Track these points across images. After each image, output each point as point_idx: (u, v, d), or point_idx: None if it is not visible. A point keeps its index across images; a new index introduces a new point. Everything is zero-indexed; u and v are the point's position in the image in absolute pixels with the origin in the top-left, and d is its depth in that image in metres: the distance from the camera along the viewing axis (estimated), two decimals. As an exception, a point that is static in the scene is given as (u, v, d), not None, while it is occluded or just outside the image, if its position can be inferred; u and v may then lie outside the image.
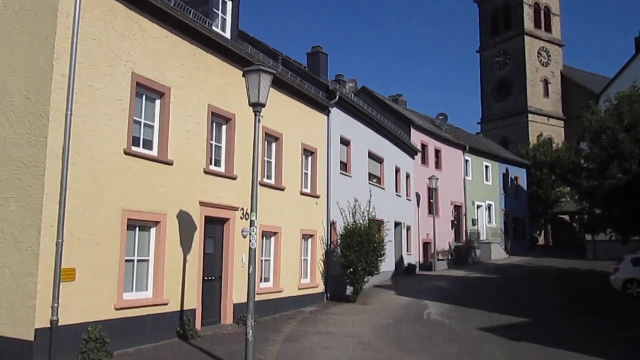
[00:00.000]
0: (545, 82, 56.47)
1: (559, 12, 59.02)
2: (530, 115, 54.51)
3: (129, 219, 10.27)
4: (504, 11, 57.89)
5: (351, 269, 17.67)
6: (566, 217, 48.43)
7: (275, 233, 15.38)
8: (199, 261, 12.10)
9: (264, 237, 15.04)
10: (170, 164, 11.37)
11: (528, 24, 55.88)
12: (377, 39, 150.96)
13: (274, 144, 15.75)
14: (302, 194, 16.97)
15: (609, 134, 22.02)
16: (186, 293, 11.57)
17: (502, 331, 12.70)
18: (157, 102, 11.40)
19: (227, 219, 13.31)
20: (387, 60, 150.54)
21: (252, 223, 8.39)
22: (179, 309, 11.39)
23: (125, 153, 10.24)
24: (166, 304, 11.04)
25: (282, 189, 15.69)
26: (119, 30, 10.29)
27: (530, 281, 23.31)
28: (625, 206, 21.25)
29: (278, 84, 15.39)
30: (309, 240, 17.51)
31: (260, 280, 14.75)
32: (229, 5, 14.33)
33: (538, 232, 49.89)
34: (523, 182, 43.31)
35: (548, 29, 57.59)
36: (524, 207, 43.15)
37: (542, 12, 57.34)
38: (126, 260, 10.26)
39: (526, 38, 55.35)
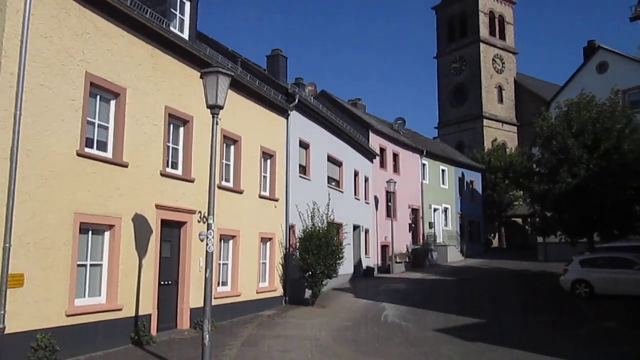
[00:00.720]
0: (500, 89, 58.04)
1: (512, 21, 60.82)
2: (485, 121, 55.89)
3: (81, 223, 9.99)
4: (461, 19, 59.26)
5: (310, 272, 17.68)
6: (519, 220, 49.76)
7: (233, 236, 15.25)
8: (154, 265, 11.88)
9: (222, 241, 14.89)
10: (125, 166, 11.12)
11: (483, 31, 57.34)
12: (337, 43, 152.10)
13: (232, 147, 15.62)
14: (260, 197, 16.89)
15: (559, 140, 22.79)
16: (141, 298, 11.33)
17: (458, 332, 12.95)
18: (112, 102, 11.14)
19: (184, 223, 13.12)
20: (347, 65, 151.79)
21: (209, 226, 8.30)
22: (133, 314, 11.15)
23: (78, 154, 9.96)
24: (120, 310, 10.78)
25: (240, 192, 15.57)
26: (72, 29, 10.01)
27: (485, 283, 23.85)
28: (574, 209, 22.05)
29: (237, 86, 15.30)
30: (268, 243, 17.43)
31: (218, 284, 14.60)
32: (187, 5, 14.16)
33: (492, 235, 51.13)
34: (478, 186, 44.36)
35: (502, 37, 59.28)
36: (479, 210, 44.19)
37: (496, 20, 58.98)
38: (78, 265, 9.97)
39: (482, 45, 56.79)
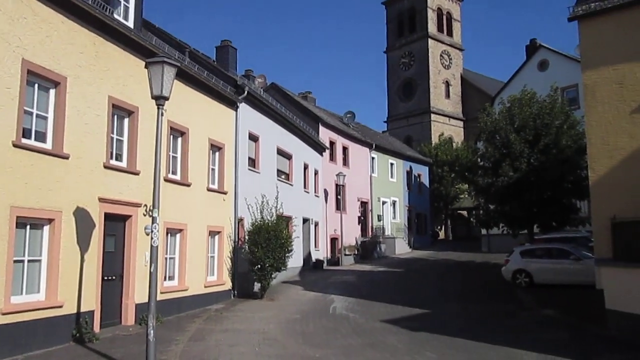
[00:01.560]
0: (447, 84, 59.39)
1: (459, 18, 62.27)
2: (432, 116, 57.10)
3: (18, 217, 9.56)
4: (410, 14, 60.17)
5: (259, 266, 17.60)
6: (464, 212, 51.33)
7: (180, 230, 14.99)
8: (97, 260, 11.53)
9: (169, 235, 14.60)
10: (66, 158, 10.72)
11: (432, 28, 58.45)
12: (288, 37, 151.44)
13: (179, 139, 15.32)
14: (209, 190, 16.66)
15: (502, 135, 23.55)
16: (84, 294, 10.98)
17: (404, 322, 13.21)
18: (52, 91, 10.69)
19: (129, 216, 12.79)
20: (298, 58, 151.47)
21: (154, 220, 8.12)
22: (75, 311, 10.79)
23: (15, 146, 9.51)
24: (61, 307, 10.41)
25: (188, 185, 15.30)
26: (8, 13, 9.52)
27: (431, 274, 24.43)
28: (516, 202, 22.88)
29: (185, 77, 15.01)
30: (216, 237, 17.23)
31: (165, 279, 14.33)
32: (132, -7, 13.72)
33: (439, 227, 52.45)
34: (425, 179, 45.31)
35: (450, 33, 60.62)
36: (426, 203, 45.17)
37: (444, 17, 60.23)
38: (15, 261, 9.54)
39: (430, 41, 57.89)
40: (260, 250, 17.31)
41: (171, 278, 14.76)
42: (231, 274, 17.82)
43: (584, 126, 12.99)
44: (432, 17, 58.74)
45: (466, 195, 44.78)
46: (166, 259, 14.45)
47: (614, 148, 11.68)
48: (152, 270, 8.03)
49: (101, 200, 11.69)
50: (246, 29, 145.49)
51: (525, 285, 18.77)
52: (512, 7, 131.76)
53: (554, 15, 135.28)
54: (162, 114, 8.34)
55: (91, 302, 11.25)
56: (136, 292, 12.70)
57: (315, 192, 28.50)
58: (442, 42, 59.27)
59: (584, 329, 12.23)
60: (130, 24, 13.47)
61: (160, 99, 8.21)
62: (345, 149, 33.62)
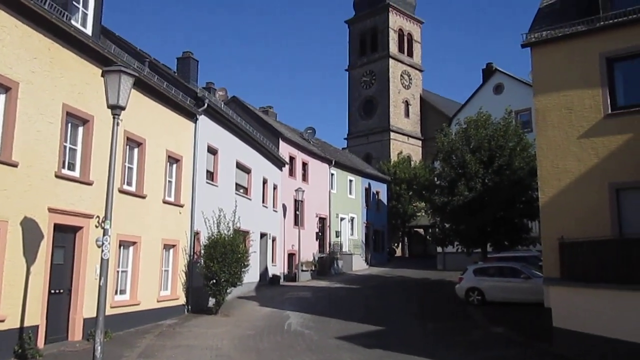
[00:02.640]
0: (407, 104, 60.45)
1: (420, 39, 63.71)
2: (392, 134, 57.92)
3: (-40, 226, 9.15)
4: (372, 34, 61.19)
5: (214, 280, 17.34)
6: (421, 230, 52.04)
7: (134, 243, 14.64)
8: (44, 273, 11.11)
9: (122, 247, 14.25)
10: (14, 165, 10.34)
11: (393, 48, 59.57)
12: (252, 51, 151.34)
13: (136, 150, 15.04)
14: (165, 202, 16.37)
15: (458, 155, 24.10)
16: (28, 308, 10.54)
17: (358, 339, 13.22)
18: (2, 97, 10.34)
19: (80, 228, 12.41)
20: (260, 72, 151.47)
21: (105, 232, 7.92)
22: (18, 325, 10.35)
23: (-40, 152, 9.14)
24: (3, 321, 9.96)
25: (143, 197, 15.00)
26: (-42, 15, 9.21)
27: (387, 291, 24.59)
28: (470, 221, 23.36)
29: (143, 87, 14.80)
30: (171, 250, 16.91)
31: (116, 293, 13.94)
32: (92, 0, 13.48)
33: (396, 244, 52.97)
34: (384, 197, 45.79)
35: (410, 54, 61.89)
36: (384, 220, 45.60)
37: (405, 38, 61.51)
38: (-45, 272, 9.12)
39: (391, 61, 58.94)
40: (216, 265, 17.07)
41: (122, 292, 14.37)
42: (185, 288, 17.49)
43: (536, 149, 13.44)
44: (393, 37, 59.91)
45: (423, 214, 45.44)
46: (118, 272, 14.08)
47: (563, 171, 12.13)
48: (101, 283, 7.81)
49: (51, 210, 11.32)
50: (209, 41, 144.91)
51: (478, 303, 19.10)
52: (470, 31, 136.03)
53: (510, 40, 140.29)
54: (117, 124, 8.19)
55: (36, 316, 10.81)
56: (85, 306, 12.30)
57: (273, 207, 28.39)
58: (403, 63, 60.45)
59: (532, 346, 12.52)
60: (88, 31, 13.21)
61: (116, 109, 8.07)
62: (305, 164, 33.69)
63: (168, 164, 16.74)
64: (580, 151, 11.97)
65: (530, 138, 23.11)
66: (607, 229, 11.40)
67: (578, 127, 12.04)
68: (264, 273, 26.64)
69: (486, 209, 22.85)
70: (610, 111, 11.73)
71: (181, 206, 17.36)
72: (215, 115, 20.24)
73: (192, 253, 17.87)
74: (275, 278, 27.64)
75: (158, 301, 15.77)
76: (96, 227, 12.71)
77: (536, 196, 17.37)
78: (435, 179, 27.07)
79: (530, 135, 24.47)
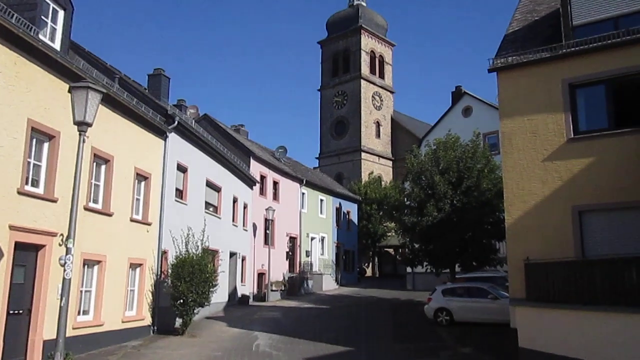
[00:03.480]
0: (378, 124, 61.13)
1: (391, 61, 64.77)
2: (363, 154, 58.38)
3: None
4: (344, 55, 61.98)
5: (181, 300, 17.05)
6: (391, 250, 52.26)
7: (99, 262, 14.31)
8: (3, 293, 10.76)
9: (86, 266, 13.91)
10: (-25, 181, 10.06)
11: (365, 69, 60.39)
12: (223, 69, 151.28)
13: (103, 167, 14.79)
14: (132, 220, 16.10)
15: (428, 176, 24.35)
16: (-15, 329, 10.17)
17: (327, 360, 13.12)
18: (-36, 111, 10.09)
19: (43, 246, 12.09)
20: (232, 91, 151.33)
21: (68, 251, 7.74)
22: (-26, 347, 9.96)
23: None
24: (-42, 343, 9.58)
25: (109, 215, 14.73)
26: None
27: (357, 311, 24.53)
28: (439, 242, 23.54)
29: (112, 103, 14.63)
30: (137, 269, 16.59)
31: (79, 313, 13.57)
32: (61, 14, 13.35)
33: (366, 264, 53.03)
34: (354, 216, 45.92)
35: (382, 76, 62.83)
36: (354, 240, 45.66)
37: (377, 60, 62.47)
38: None
39: (362, 82, 59.70)
40: (183, 285, 16.80)
41: (86, 312, 14.00)
42: (152, 308, 17.15)
43: (502, 171, 13.70)
44: (365, 59, 60.76)
45: (393, 234, 45.66)
46: (82, 291, 13.73)
47: (528, 193, 12.39)
48: (62, 304, 7.61)
49: (12, 228, 11.00)
50: (182, 59, 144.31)
51: (447, 324, 19.19)
52: (440, 54, 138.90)
53: (479, 63, 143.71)
54: (83, 141, 8.06)
55: (-7, 338, 10.43)
56: (45, 327, 11.91)
57: (243, 226, 28.17)
58: (374, 84, 61.26)
59: (499, 367, 12.61)
60: (56, 45, 13.05)
61: (82, 125, 7.96)
62: (275, 183, 33.62)
63: (136, 181, 16.51)
64: (545, 174, 12.26)
65: (498, 160, 23.52)
66: (571, 251, 11.66)
67: (542, 151, 12.35)
68: (232, 293, 26.31)
69: (455, 229, 23.08)
70: (572, 135, 12.08)
71: (149, 224, 17.09)
72: (186, 132, 20.11)
73: (159, 272, 17.56)
74: (244, 298, 27.33)
75: (123, 322, 15.40)
76: (60, 245, 12.30)
77: (503, 217, 17.66)
78: (405, 199, 27.25)
79: (497, 157, 24.89)
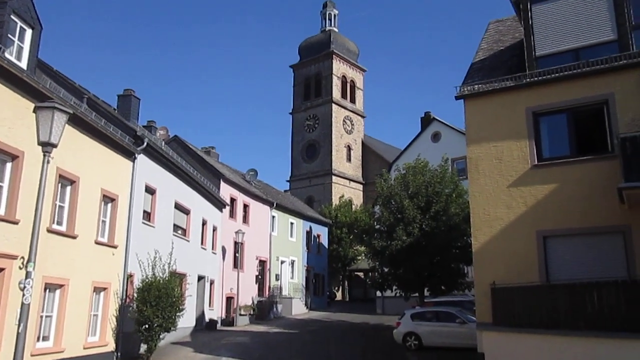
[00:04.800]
0: (349, 148, 61.62)
1: (362, 86, 65.71)
2: (334, 178, 58.63)
3: None
4: (316, 79, 62.64)
5: (146, 325, 16.67)
6: (361, 274, 52.25)
7: (61, 286, 13.91)
8: (-41, 318, 10.35)
9: (47, 290, 13.50)
10: None
11: (336, 94, 61.06)
12: (195, 90, 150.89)
13: (69, 188, 14.50)
14: (97, 243, 15.76)
15: (397, 200, 24.59)
16: (-63, 356, 9.75)
17: (295, 386, 12.93)
18: None
19: (2, 269, 11.71)
20: (203, 112, 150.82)
21: (28, 274, 7.52)
22: None
23: None
24: None
25: (74, 237, 14.38)
26: None
27: (326, 336, 24.31)
28: (408, 266, 23.68)
29: (80, 124, 14.42)
30: (102, 293, 16.18)
31: (38, 339, 13.11)
32: (29, 33, 13.18)
33: (336, 288, 52.83)
34: (325, 240, 45.84)
35: (353, 100, 63.62)
36: (325, 263, 45.53)
37: (348, 85, 63.32)
38: None
39: (334, 106, 60.30)
40: (149, 309, 16.45)
41: (46, 339, 13.55)
42: (115, 334, 16.69)
43: (469, 196, 13.92)
44: (336, 83, 61.49)
45: (363, 257, 45.74)
46: (42, 317, 13.28)
47: (494, 218, 12.61)
48: (20, 330, 7.36)
49: (-30, 250, 10.65)
50: (153, 80, 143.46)
51: (415, 348, 19.18)
52: (410, 80, 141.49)
53: (447, 90, 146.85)
54: (48, 162, 7.91)
55: (-54, 365, 10.00)
56: (2, 354, 11.46)
57: (212, 249, 27.83)
58: (345, 108, 61.93)
59: (466, 392, 12.63)
60: (23, 64, 12.86)
61: (47, 146, 7.81)
62: (246, 206, 33.42)
63: (103, 203, 16.22)
64: (510, 199, 12.51)
65: (466, 185, 23.88)
66: (536, 275, 11.85)
67: (507, 177, 12.62)
68: (200, 317, 25.84)
69: (423, 253, 23.26)
70: (536, 162, 12.39)
71: (115, 247, 16.75)
72: (155, 154, 19.91)
73: (124, 296, 17.15)
74: (212, 322, 26.86)
75: (85, 348, 14.95)
76: (20, 268, 12.02)
77: (471, 242, 17.91)
78: (375, 223, 27.42)
79: (465, 182, 25.25)
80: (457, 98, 13.59)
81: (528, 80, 12.74)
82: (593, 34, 12.56)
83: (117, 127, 17.26)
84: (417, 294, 25.55)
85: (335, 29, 65.00)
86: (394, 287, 26.03)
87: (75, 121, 13.64)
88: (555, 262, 11.99)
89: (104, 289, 16.22)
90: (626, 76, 11.62)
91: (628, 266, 11.03)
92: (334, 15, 65.77)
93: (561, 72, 12.31)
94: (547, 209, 12.05)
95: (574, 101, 12.23)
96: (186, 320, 20.94)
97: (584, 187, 11.67)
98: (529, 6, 13.31)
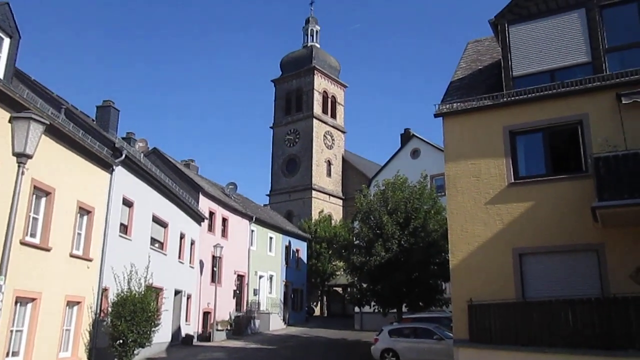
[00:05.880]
0: (329, 163, 61.78)
1: (343, 102, 66.14)
2: (314, 192, 58.61)
3: None
4: (297, 94, 62.87)
5: (120, 341, 16.37)
6: (340, 289, 52.10)
7: (33, 299, 13.60)
8: None
9: (19, 304, 13.19)
10: None
11: (317, 109, 61.33)
12: (175, 103, 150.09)
13: (44, 199, 14.26)
14: (72, 256, 15.48)
15: (376, 216, 24.70)
16: None
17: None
18: None
19: (-29, 282, 11.41)
20: (184, 125, 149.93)
21: (-1, 288, 7.34)
22: None
23: None
24: None
25: (47, 250, 14.12)
26: None
27: (304, 352, 24.14)
28: (386, 282, 23.72)
29: (57, 135, 14.25)
30: (75, 308, 15.86)
31: (7, 355, 12.76)
32: (6, 42, 13.05)
33: (315, 303, 52.54)
34: (304, 255, 45.70)
35: (334, 116, 63.94)
36: (303, 278, 45.32)
37: (329, 100, 63.67)
38: None
39: (315, 121, 60.50)
40: (123, 324, 16.16)
41: (15, 354, 13.19)
42: (88, 349, 16.35)
43: (447, 213, 14.05)
44: (318, 99, 61.79)
45: (342, 273, 45.66)
46: (12, 331, 12.96)
47: (471, 235, 12.73)
48: (-11, 345, 7.16)
49: (-61, 262, 10.37)
50: (134, 92, 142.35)
51: (393, 364, 19.17)
52: (390, 97, 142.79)
53: (427, 107, 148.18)
54: (22, 173, 7.78)
55: None
56: (-30, 369, 11.16)
57: (190, 263, 27.53)
58: (326, 123, 62.19)
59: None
60: None
61: (22, 157, 7.68)
62: (225, 220, 33.18)
63: (78, 215, 15.98)
64: (487, 217, 12.65)
65: (444, 202, 24.13)
66: (512, 292, 11.97)
67: (485, 194, 12.78)
68: (176, 332, 25.45)
69: (402, 269, 23.35)
70: (513, 180, 12.58)
71: (90, 260, 16.47)
72: (133, 166, 19.72)
73: (98, 311, 16.84)
74: (188, 338, 26.47)
75: (56, 363, 14.60)
76: (-9, 281, 11.76)
77: (449, 258, 18.05)
78: (354, 238, 27.46)
79: (444, 199, 25.53)
80: (436, 116, 13.77)
81: (505, 99, 12.98)
82: (568, 56, 12.88)
83: (95, 138, 17.08)
84: (395, 310, 25.57)
85: (317, 45, 65.51)
86: (372, 303, 26.03)
87: (53, 132, 13.48)
88: (531, 279, 12.13)
89: (78, 303, 15.91)
90: (600, 98, 11.91)
91: (602, 283, 11.21)
92: (316, 32, 66.33)
93: (537, 92, 12.58)
94: (523, 227, 12.22)
95: (549, 121, 12.49)
96: (162, 336, 20.61)
97: (559, 206, 11.86)
98: (506, 27, 13.62)
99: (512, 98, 12.90)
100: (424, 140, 36.86)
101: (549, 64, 13.09)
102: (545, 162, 12.60)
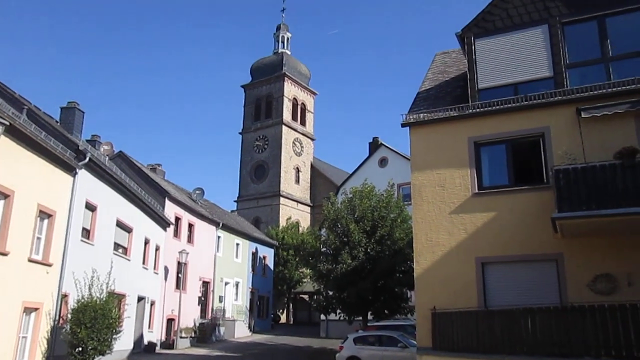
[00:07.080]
0: (297, 170, 61.77)
1: (313, 109, 66.34)
2: (282, 199, 58.48)
3: None
4: (267, 100, 62.77)
5: (80, 348, 15.98)
6: (306, 297, 52.01)
7: (-12, 305, 13.19)
8: None
9: (-28, 310, 12.77)
10: None
11: (287, 115, 61.34)
12: (142, 107, 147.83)
13: (2, 202, 13.85)
14: (30, 260, 15.06)
15: (343, 224, 24.80)
16: None
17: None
18: None
19: None
20: (150, 128, 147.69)
21: (-49, 294, 7.08)
22: None
23: None
24: None
25: (5, 254, 13.70)
26: None
27: (269, 359, 23.99)
28: (352, 289, 23.80)
29: (17, 135, 13.86)
30: (32, 314, 15.41)
31: (-41, 363, 12.34)
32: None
33: (281, 311, 52.30)
34: (270, 262, 45.47)
35: (303, 123, 64.06)
36: (270, 285, 45.06)
37: (299, 107, 63.79)
38: None
39: (284, 128, 60.47)
40: (83, 331, 15.80)
41: (-32, 362, 12.76)
42: (46, 358, 15.89)
43: (412, 222, 14.19)
44: (287, 105, 61.82)
45: (309, 280, 45.61)
46: (-35, 338, 12.53)
47: (436, 244, 12.90)
48: (-61, 352, 6.90)
49: None
50: (100, 94, 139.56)
51: (357, 372, 19.20)
52: (359, 105, 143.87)
53: (395, 116, 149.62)
54: (-20, 175, 7.54)
55: None
56: None
57: (154, 268, 27.07)
58: (296, 130, 62.23)
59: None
60: (-41, 72, 12.29)
61: (-21, 158, 7.46)
62: (191, 225, 32.77)
63: (39, 218, 15.57)
64: (451, 226, 12.84)
65: (411, 210, 24.41)
66: (475, 301, 12.15)
67: (449, 204, 12.97)
68: (138, 340, 24.96)
69: (368, 277, 23.47)
70: (477, 190, 12.80)
71: (49, 265, 16.05)
72: (97, 169, 19.34)
73: (57, 318, 16.40)
74: (151, 345, 25.98)
75: (11, 372, 14.15)
76: (-57, 286, 11.35)
77: (413, 266, 18.23)
78: (321, 246, 27.48)
79: (410, 207, 25.81)
80: (403, 126, 13.92)
81: (470, 111, 13.23)
82: (531, 70, 13.22)
83: (58, 140, 16.70)
84: (360, 318, 25.67)
85: (288, 52, 65.62)
86: (338, 311, 26.07)
87: (13, 133, 13.12)
88: (493, 288, 12.33)
89: (36, 309, 15.46)
90: (561, 111, 12.24)
91: (560, 293, 11.49)
92: (287, 39, 66.46)
93: (501, 104, 12.86)
94: (486, 236, 12.43)
95: (512, 133, 12.77)
96: (123, 343, 20.17)
97: (521, 216, 12.12)
98: (472, 40, 13.90)
99: (477, 110, 13.15)
100: (392, 149, 37.23)
101: (513, 77, 13.40)
102: (508, 173, 12.86)
